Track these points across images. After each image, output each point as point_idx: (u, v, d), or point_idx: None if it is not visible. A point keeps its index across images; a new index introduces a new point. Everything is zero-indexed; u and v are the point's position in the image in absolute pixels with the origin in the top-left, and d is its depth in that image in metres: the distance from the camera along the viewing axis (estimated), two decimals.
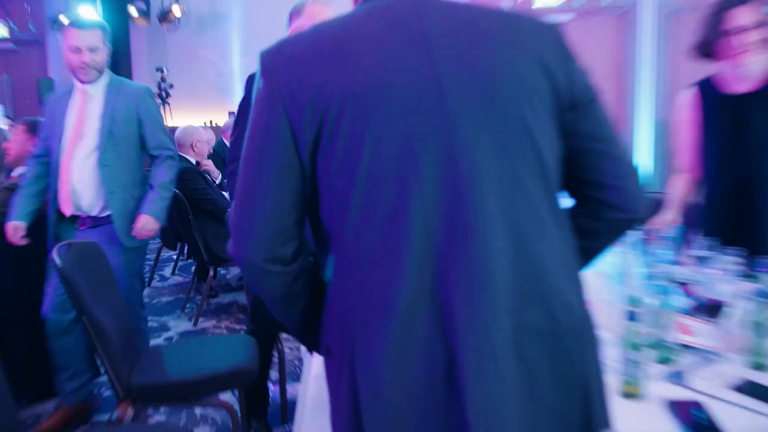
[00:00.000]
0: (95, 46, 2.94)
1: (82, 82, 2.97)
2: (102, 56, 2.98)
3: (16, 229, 2.90)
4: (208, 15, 9.13)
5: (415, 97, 0.98)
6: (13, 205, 2.97)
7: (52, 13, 9.41)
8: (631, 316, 1.49)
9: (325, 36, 1.06)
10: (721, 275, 1.69)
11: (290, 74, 1.02)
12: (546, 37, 1.08)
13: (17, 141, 3.41)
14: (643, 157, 7.01)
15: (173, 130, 8.71)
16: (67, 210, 2.96)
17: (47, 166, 3.01)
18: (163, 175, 3.02)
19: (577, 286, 1.06)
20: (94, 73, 2.96)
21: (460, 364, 0.95)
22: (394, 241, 0.97)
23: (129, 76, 9.29)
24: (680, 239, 2.17)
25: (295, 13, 2.49)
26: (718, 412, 1.41)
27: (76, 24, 2.97)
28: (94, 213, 2.96)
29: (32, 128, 3.39)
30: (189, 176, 4.26)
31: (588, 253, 1.18)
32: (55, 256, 2.20)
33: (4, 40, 10.09)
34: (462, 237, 0.96)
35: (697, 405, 1.43)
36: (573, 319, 1.03)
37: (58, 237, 2.96)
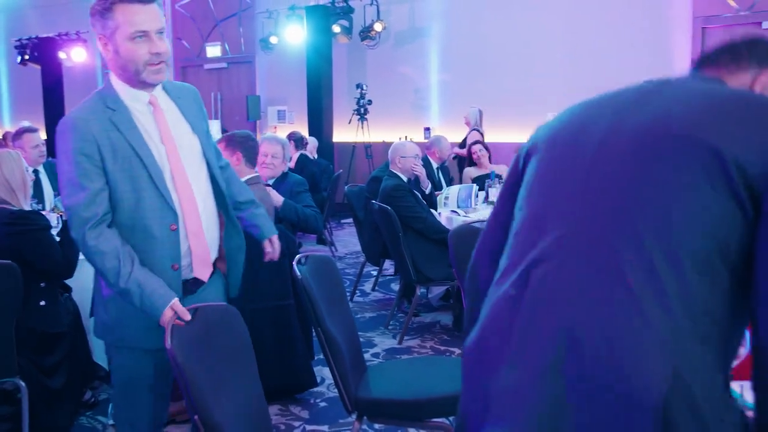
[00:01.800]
0: (162, 28, 1.90)
1: (147, 86, 1.95)
2: (168, 46, 1.98)
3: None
4: (408, 30, 9.37)
5: None
6: None
7: (262, 34, 10.18)
8: None
9: None
10: None
11: None
12: None
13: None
14: None
15: (370, 145, 9.12)
16: (205, 273, 2.10)
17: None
18: (246, 189, 2.42)
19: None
20: (166, 71, 1.96)
21: None
22: None
23: (330, 92, 9.78)
24: None
25: None
26: None
27: None
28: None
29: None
30: (399, 193, 4.33)
31: None
32: (295, 267, 2.30)
33: (218, 59, 11.08)
34: None
35: None
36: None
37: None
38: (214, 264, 2.16)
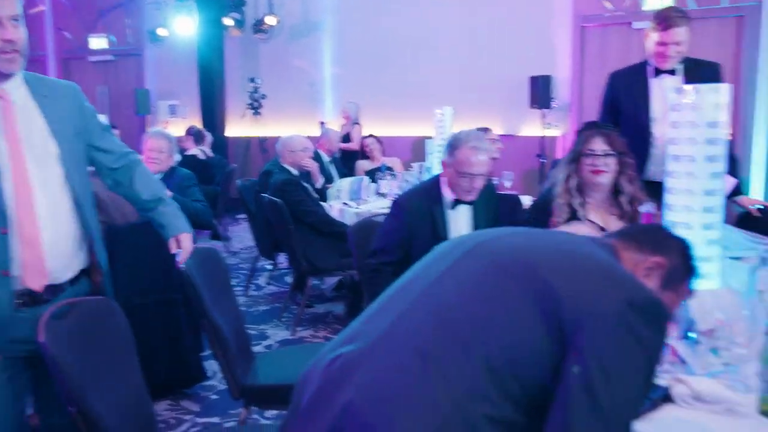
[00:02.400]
0: (16, 15, 1.78)
1: None
2: (24, 34, 1.82)
3: None
4: (301, 24, 9.35)
5: None
6: None
7: (150, 26, 9.88)
8: None
9: None
10: None
11: None
12: None
13: None
14: (761, 164, 6.76)
15: (265, 139, 9.07)
16: (38, 283, 1.89)
17: None
18: (159, 184, 2.37)
19: None
20: (20, 61, 1.82)
21: None
22: None
23: (222, 87, 9.63)
24: None
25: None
26: None
27: None
28: (68, 276, 1.98)
29: None
30: (290, 188, 4.37)
31: None
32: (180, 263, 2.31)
33: (103, 51, 10.66)
34: None
35: None
36: None
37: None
38: (88, 275, 2.05)
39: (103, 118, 2.37)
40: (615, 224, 2.40)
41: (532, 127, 7.75)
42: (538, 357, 1.14)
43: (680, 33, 3.13)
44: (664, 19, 3.15)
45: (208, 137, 7.70)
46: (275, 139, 5.06)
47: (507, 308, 1.19)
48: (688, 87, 1.84)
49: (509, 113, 7.89)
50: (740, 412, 1.47)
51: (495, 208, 3.01)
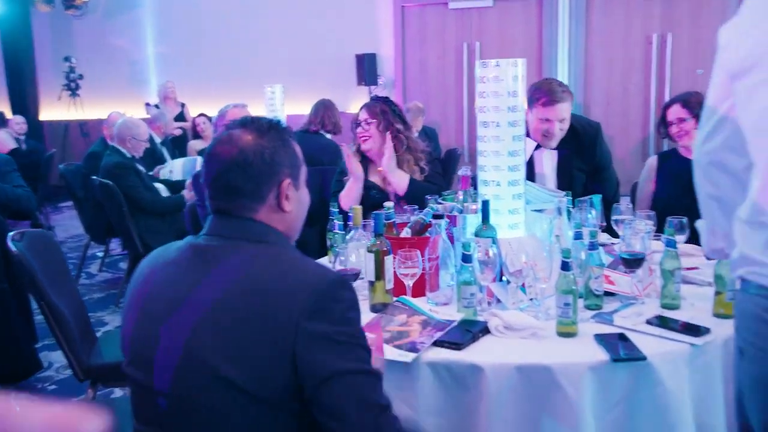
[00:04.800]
0: None
1: None
2: None
3: None
4: (118, 1, 8.90)
5: None
6: None
7: None
8: (565, 266, 1.73)
9: None
10: (636, 234, 1.96)
11: None
12: None
13: None
14: None
15: (85, 123, 8.58)
16: None
17: None
18: None
19: None
20: None
21: None
22: None
23: (32, 66, 8.97)
24: (599, 206, 2.44)
25: (220, 117, 3.37)
26: (636, 340, 1.67)
27: None
28: None
29: None
30: (123, 171, 4.25)
31: None
32: (10, 243, 2.25)
33: None
34: None
35: (620, 336, 1.69)
36: None
37: None
38: None
39: None
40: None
41: (361, 103, 8.01)
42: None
43: (565, 110, 2.85)
44: (547, 93, 2.82)
45: (17, 122, 7.16)
46: (98, 122, 4.86)
47: None
48: (491, 61, 2.10)
49: (338, 91, 8.09)
50: (542, 335, 1.75)
51: None
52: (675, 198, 2.84)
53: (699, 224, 1.53)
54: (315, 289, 1.23)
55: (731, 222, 1.37)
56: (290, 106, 5.81)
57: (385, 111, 2.91)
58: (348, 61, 7.68)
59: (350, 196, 2.84)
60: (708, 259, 2.10)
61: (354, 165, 2.86)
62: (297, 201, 1.39)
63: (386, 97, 3.12)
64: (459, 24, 7.28)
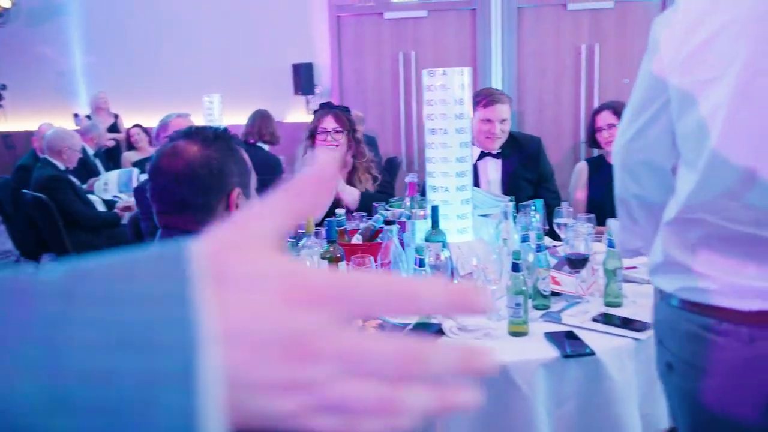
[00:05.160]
0: None
1: None
2: None
3: None
4: (41, 7, 8.61)
5: None
6: None
7: None
8: (516, 268, 1.79)
9: None
10: (578, 236, 2.04)
11: None
12: None
13: None
14: None
15: (9, 135, 8.25)
16: None
17: None
18: None
19: None
20: None
21: None
22: None
23: None
24: (542, 210, 2.53)
25: (162, 128, 3.43)
26: (584, 337, 1.75)
27: None
28: None
29: None
30: (57, 184, 4.12)
31: None
32: None
33: None
34: None
35: (568, 334, 1.76)
36: None
37: None
38: None
39: None
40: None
41: (298, 113, 8.01)
42: None
43: (504, 111, 3.04)
44: (486, 96, 3.08)
45: None
46: (24, 134, 4.70)
47: None
48: (438, 70, 2.15)
49: (276, 100, 8.06)
50: (495, 335, 1.81)
51: None
52: (610, 202, 2.97)
53: (611, 223, 1.58)
54: None
55: (649, 222, 1.40)
56: (228, 117, 5.76)
57: (351, 120, 2.89)
58: (285, 71, 7.67)
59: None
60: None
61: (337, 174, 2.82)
62: None
63: (345, 107, 3.08)
64: (395, 34, 7.38)
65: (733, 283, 1.23)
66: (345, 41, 7.90)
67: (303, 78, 7.51)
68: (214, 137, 1.36)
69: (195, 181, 1.30)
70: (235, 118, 6.33)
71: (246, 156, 1.41)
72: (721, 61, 1.21)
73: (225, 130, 1.40)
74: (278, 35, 7.98)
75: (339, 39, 7.92)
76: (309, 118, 7.74)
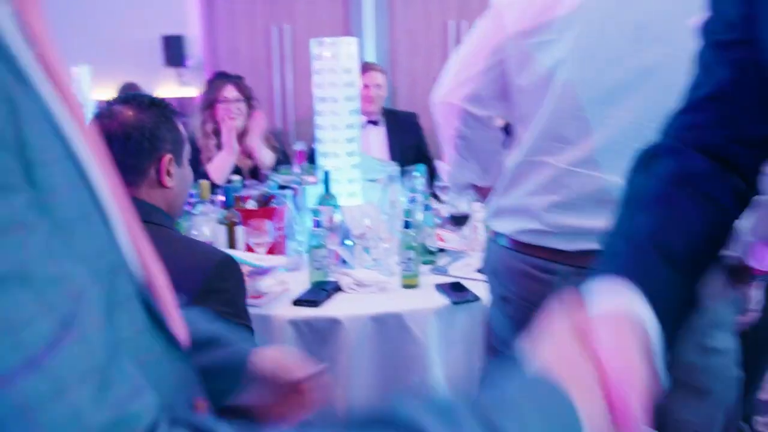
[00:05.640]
0: None
1: None
2: None
3: None
4: None
5: None
6: None
7: None
8: (407, 225, 1.93)
9: None
10: (461, 198, 2.21)
11: None
12: None
13: None
14: None
15: None
16: None
17: None
18: None
19: None
20: None
21: None
22: None
23: None
24: (424, 174, 2.69)
25: None
26: (470, 286, 1.92)
27: None
28: None
29: None
30: None
31: None
32: None
33: None
34: None
35: (455, 285, 1.93)
36: None
37: None
38: None
39: None
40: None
41: (169, 86, 7.76)
42: None
43: (378, 77, 3.47)
44: (363, 66, 3.34)
45: None
46: None
47: None
48: (327, 39, 2.23)
49: (146, 73, 7.76)
50: (389, 288, 1.94)
51: None
52: None
53: (440, 163, 1.70)
54: (204, 270, 1.29)
55: (476, 160, 1.55)
56: (99, 90, 5.52)
57: (249, 88, 2.95)
58: (154, 43, 7.39)
59: (223, 168, 2.81)
60: None
61: (233, 139, 2.84)
62: (180, 178, 1.41)
63: (239, 75, 3.10)
64: (267, 7, 7.31)
65: (560, 225, 1.32)
66: (217, 13, 7.71)
67: (173, 50, 7.28)
68: (150, 104, 1.40)
69: (127, 143, 1.33)
70: (106, 93, 6.07)
71: (181, 127, 1.44)
72: (560, 23, 1.29)
73: (161, 99, 1.44)
74: (147, 6, 7.66)
75: (210, 10, 7.73)
76: (181, 91, 7.56)
